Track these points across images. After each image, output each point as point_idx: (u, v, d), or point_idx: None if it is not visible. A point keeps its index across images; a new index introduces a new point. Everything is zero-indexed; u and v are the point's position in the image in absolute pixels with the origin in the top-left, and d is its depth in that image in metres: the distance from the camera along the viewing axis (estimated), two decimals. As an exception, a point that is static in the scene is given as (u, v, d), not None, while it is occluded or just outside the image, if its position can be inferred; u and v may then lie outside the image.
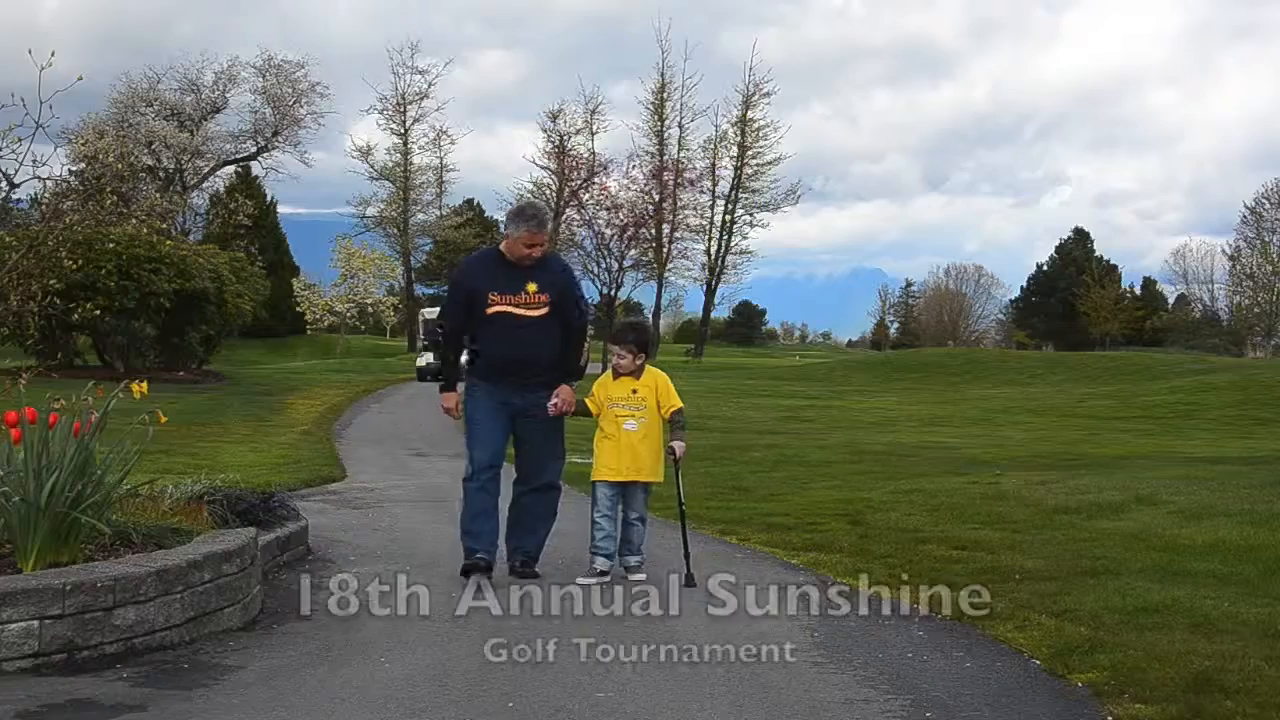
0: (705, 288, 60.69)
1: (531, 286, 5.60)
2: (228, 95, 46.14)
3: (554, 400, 5.64)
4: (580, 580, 5.48)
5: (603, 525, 5.69)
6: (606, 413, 5.76)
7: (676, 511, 5.82)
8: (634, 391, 5.73)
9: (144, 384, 5.07)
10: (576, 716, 3.59)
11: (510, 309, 5.60)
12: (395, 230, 58.19)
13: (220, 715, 3.52)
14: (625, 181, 51.41)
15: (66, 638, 3.92)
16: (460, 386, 5.89)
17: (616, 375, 5.78)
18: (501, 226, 59.84)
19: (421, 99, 58.34)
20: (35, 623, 3.86)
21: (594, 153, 55.15)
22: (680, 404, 5.77)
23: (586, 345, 6.00)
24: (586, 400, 5.79)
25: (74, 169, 28.20)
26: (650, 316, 62.63)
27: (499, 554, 5.74)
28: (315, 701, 3.68)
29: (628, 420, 5.68)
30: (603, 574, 5.62)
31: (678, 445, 5.67)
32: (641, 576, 5.62)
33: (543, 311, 5.62)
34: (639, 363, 5.76)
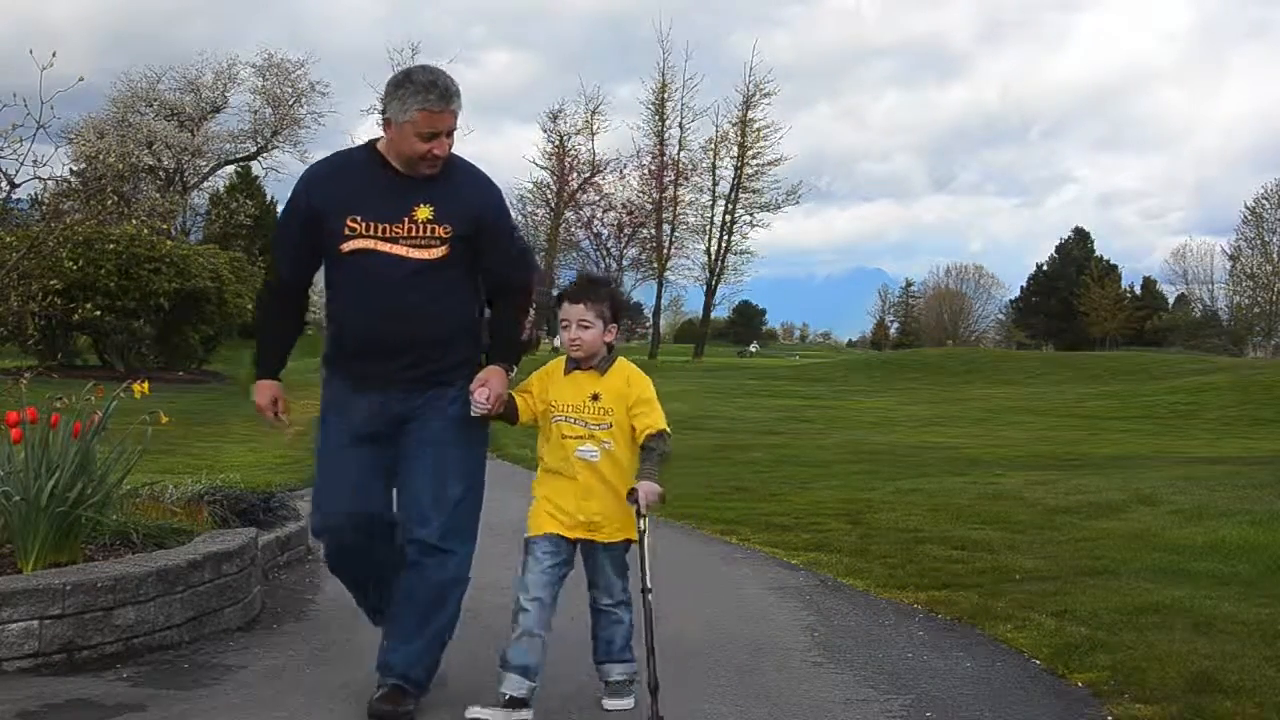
0: (705, 288, 60.78)
1: (422, 211, 3.41)
2: (228, 95, 46.17)
3: (479, 390, 3.45)
4: (473, 713, 3.44)
5: (529, 612, 3.42)
6: (548, 428, 3.60)
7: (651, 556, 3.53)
8: (594, 397, 3.53)
9: (145, 384, 5.06)
10: (576, 716, 3.59)
11: (380, 246, 3.40)
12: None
13: (220, 715, 3.52)
14: (622, 183, 51.54)
15: (66, 638, 3.92)
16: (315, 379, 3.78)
17: (570, 366, 3.60)
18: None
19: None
20: (35, 623, 3.86)
21: (594, 153, 55.28)
22: (664, 425, 3.54)
23: (531, 315, 3.77)
24: (517, 395, 3.60)
25: (75, 169, 28.22)
26: (650, 316, 62.71)
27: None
28: (315, 701, 3.68)
29: (582, 445, 3.51)
30: (515, 704, 3.40)
31: (644, 489, 3.42)
32: (627, 705, 3.64)
33: (437, 253, 3.42)
34: (608, 340, 3.58)
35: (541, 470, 3.64)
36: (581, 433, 3.53)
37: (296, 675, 3.98)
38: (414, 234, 3.42)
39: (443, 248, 3.44)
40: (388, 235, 3.41)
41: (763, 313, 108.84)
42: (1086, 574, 5.87)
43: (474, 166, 3.63)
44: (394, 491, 3.62)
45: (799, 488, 10.23)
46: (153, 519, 5.10)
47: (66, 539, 4.42)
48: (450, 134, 3.42)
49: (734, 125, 59.46)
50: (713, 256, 59.73)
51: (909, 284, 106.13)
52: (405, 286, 3.41)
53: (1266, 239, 65.21)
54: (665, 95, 59.16)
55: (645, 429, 3.53)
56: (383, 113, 3.43)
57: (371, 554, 3.59)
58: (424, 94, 3.35)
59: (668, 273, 56.73)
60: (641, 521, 3.45)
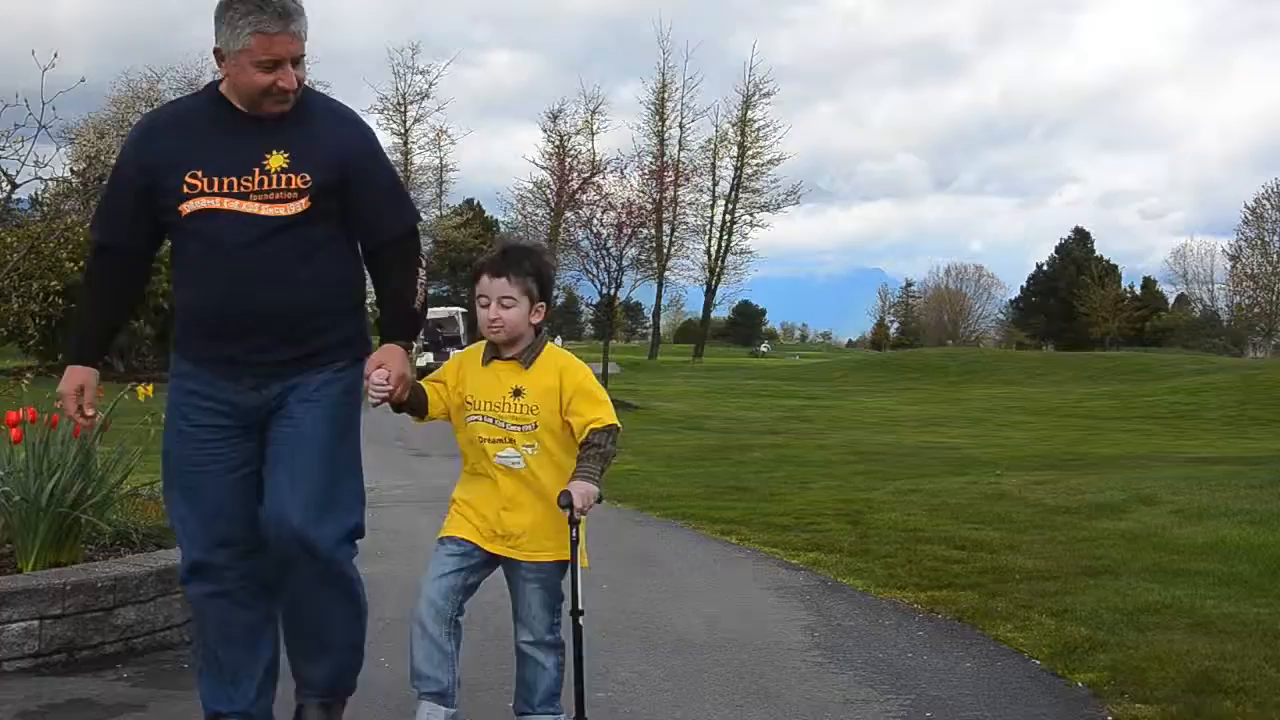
0: (705, 288, 60.85)
1: (275, 159, 2.85)
2: (228, 95, 46.24)
3: (377, 372, 2.90)
4: None
5: (427, 628, 2.93)
6: (464, 428, 3.05)
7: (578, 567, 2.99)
8: (516, 392, 2.97)
9: (149, 387, 5.06)
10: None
11: (227, 204, 2.84)
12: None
13: (220, 715, 3.51)
14: (622, 183, 51.59)
15: (66, 638, 3.93)
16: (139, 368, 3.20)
17: (490, 355, 3.04)
18: (501, 226, 60.36)
19: (422, 99, 58.54)
20: (35, 623, 3.86)
21: (594, 153, 55.33)
22: (611, 419, 2.96)
23: (423, 277, 3.12)
24: (427, 384, 3.07)
25: (75, 169, 28.25)
26: (650, 317, 62.69)
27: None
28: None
29: (503, 450, 2.97)
30: None
31: (578, 490, 2.85)
32: None
33: (296, 208, 2.85)
34: (535, 323, 3.01)
35: (463, 473, 3.11)
36: (500, 435, 2.98)
37: (297, 675, 3.98)
38: (266, 186, 2.84)
39: (301, 200, 2.85)
40: (235, 190, 2.84)
41: (763, 313, 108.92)
42: (1086, 574, 5.86)
43: (338, 103, 3.11)
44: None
45: (799, 488, 10.23)
46: (153, 519, 5.09)
47: (66, 539, 4.42)
48: (298, 62, 2.83)
49: (734, 125, 59.70)
50: (713, 256, 59.90)
51: (909, 284, 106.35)
52: (260, 249, 2.84)
53: (1267, 239, 65.32)
54: (665, 95, 59.43)
55: (589, 421, 2.93)
56: (216, 35, 2.83)
57: (250, 590, 3.00)
58: (256, 14, 2.77)
59: (668, 273, 56.79)
60: (575, 530, 2.89)
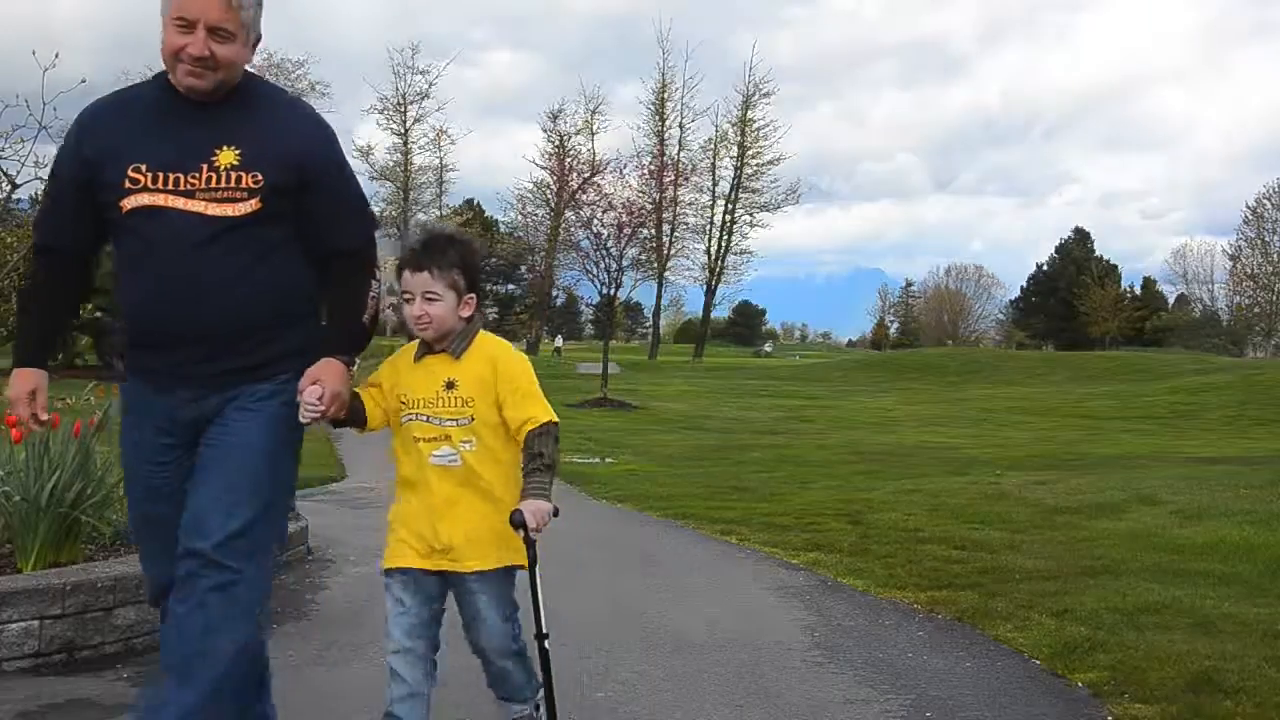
0: (705, 288, 60.84)
1: (225, 155, 2.64)
2: (228, 95, 46.18)
3: (310, 389, 2.67)
4: None
5: (399, 670, 2.81)
6: (399, 431, 2.89)
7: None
8: (449, 385, 2.81)
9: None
10: (576, 717, 3.59)
11: (171, 201, 2.62)
12: (395, 230, 58.35)
13: (220, 715, 3.51)
14: (622, 183, 51.66)
15: (66, 638, 3.93)
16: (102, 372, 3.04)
17: (421, 351, 2.88)
18: (500, 226, 60.31)
19: (422, 99, 58.54)
20: (35, 622, 3.86)
21: (594, 153, 55.41)
22: (548, 415, 2.79)
23: (376, 287, 2.99)
24: (363, 393, 2.89)
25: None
26: (651, 317, 62.68)
27: None
28: (316, 701, 3.68)
29: (438, 449, 2.80)
30: None
31: (530, 509, 2.66)
32: None
33: (245, 208, 2.64)
34: (465, 316, 2.84)
35: (397, 486, 2.92)
36: (435, 432, 2.80)
37: (297, 675, 3.98)
38: (215, 184, 2.62)
39: (252, 201, 2.63)
40: (181, 188, 2.61)
41: (763, 313, 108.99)
42: (1086, 574, 5.87)
43: (297, 99, 2.94)
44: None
45: (799, 488, 10.24)
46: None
47: (66, 539, 4.43)
48: (219, 34, 2.58)
49: (734, 125, 59.67)
50: (713, 256, 59.86)
51: (909, 284, 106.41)
52: (205, 252, 2.61)
53: (1267, 239, 65.30)
54: (665, 95, 59.36)
55: (523, 423, 2.75)
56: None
57: None
58: None
59: (668, 273, 56.78)
60: (533, 550, 2.71)
